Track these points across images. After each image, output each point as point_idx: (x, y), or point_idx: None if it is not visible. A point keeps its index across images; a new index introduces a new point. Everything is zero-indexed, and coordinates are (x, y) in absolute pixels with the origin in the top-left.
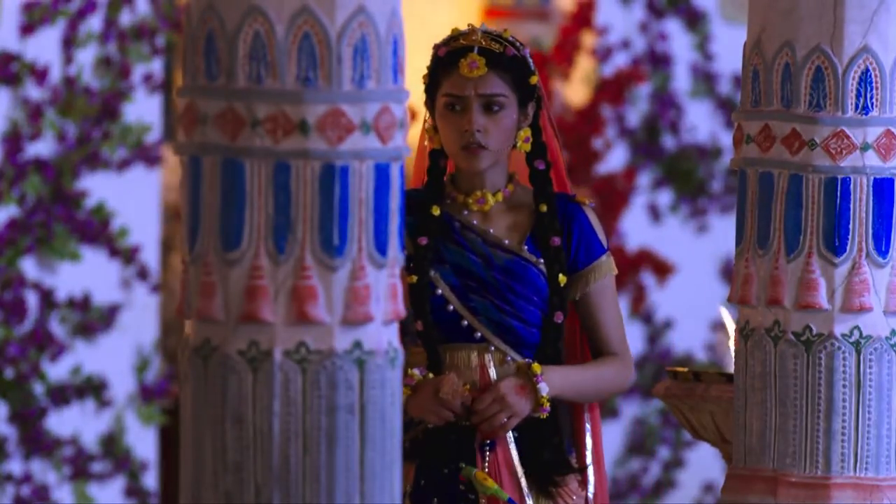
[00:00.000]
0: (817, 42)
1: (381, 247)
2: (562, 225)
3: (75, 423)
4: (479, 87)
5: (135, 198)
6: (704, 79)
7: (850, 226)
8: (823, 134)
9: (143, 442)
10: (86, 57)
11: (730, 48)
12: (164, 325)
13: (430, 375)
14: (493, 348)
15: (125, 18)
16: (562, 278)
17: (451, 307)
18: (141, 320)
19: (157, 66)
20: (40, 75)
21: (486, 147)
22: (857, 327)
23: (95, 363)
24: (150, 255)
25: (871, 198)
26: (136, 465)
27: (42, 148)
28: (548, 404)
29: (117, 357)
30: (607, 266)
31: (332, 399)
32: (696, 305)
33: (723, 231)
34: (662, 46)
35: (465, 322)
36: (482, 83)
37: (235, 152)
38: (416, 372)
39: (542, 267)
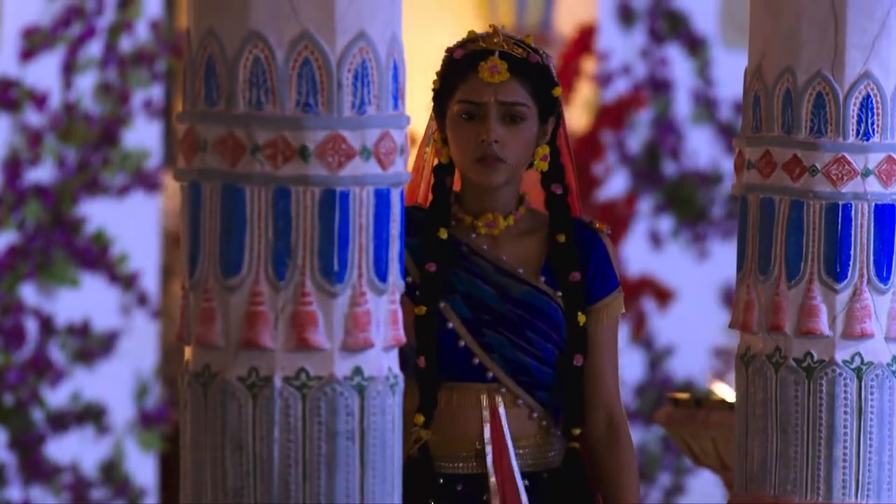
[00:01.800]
0: (818, 67)
1: (382, 273)
2: (578, 254)
3: (74, 449)
4: (500, 94)
5: (134, 224)
6: (705, 104)
7: (852, 252)
8: (824, 160)
9: (143, 468)
10: (85, 83)
11: (730, 74)
12: (163, 351)
13: None
14: (504, 389)
15: (125, 44)
16: (581, 317)
17: (463, 343)
18: (140, 346)
19: (156, 91)
20: (40, 101)
21: (504, 160)
22: (858, 354)
23: (95, 389)
24: (150, 281)
25: (872, 224)
26: (136, 492)
27: (42, 174)
28: None
29: (117, 383)
30: (618, 303)
31: (333, 425)
32: (696, 332)
33: (724, 257)
34: (663, 72)
35: (477, 360)
36: (503, 90)
37: (235, 178)
38: None
39: (560, 301)
